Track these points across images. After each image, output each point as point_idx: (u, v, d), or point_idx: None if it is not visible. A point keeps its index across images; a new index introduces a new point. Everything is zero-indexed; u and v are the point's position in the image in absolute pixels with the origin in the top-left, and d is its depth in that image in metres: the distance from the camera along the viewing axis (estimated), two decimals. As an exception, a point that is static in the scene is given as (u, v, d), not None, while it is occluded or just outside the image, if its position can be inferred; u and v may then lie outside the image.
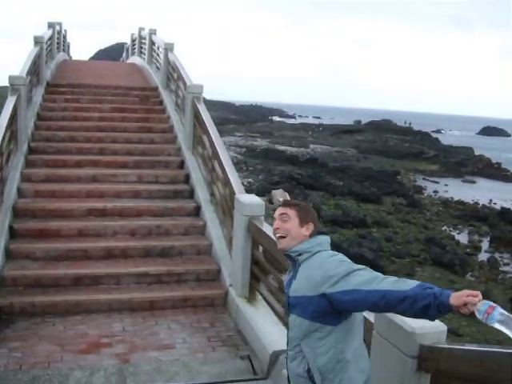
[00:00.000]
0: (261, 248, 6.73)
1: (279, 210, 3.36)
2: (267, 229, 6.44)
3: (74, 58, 25.66)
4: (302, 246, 3.24)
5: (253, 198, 7.15)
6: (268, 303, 6.44)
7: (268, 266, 6.36)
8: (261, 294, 6.77)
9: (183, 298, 7.44)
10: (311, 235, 3.29)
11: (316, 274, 3.09)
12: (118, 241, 8.48)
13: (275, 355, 5.65)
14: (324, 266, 3.09)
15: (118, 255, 8.20)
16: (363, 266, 3.07)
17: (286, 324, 5.69)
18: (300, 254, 3.23)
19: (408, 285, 2.83)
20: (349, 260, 3.15)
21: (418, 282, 2.85)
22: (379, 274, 3.02)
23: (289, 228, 3.27)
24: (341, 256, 3.19)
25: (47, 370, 5.71)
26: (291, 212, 3.30)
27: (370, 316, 3.80)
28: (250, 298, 6.99)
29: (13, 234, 8.28)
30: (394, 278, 2.94)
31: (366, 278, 2.95)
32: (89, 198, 9.48)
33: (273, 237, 5.89)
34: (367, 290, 2.90)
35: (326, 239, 3.33)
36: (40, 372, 5.66)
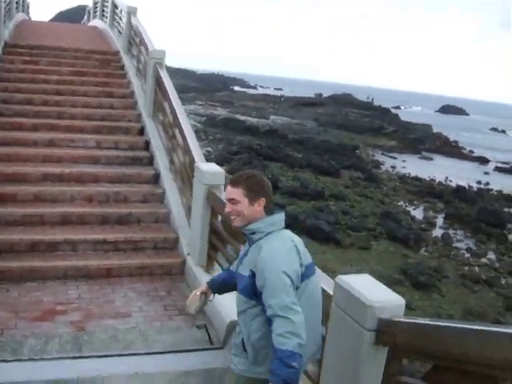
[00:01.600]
0: (220, 217, 6.70)
1: (227, 193, 3.44)
2: (226, 198, 6.43)
3: (33, 19, 25.05)
4: (255, 225, 3.34)
5: (213, 167, 7.07)
6: (226, 273, 6.45)
7: (226, 235, 6.33)
8: (218, 264, 6.76)
9: (140, 266, 7.37)
10: (266, 207, 3.38)
11: (255, 257, 3.24)
12: (75, 207, 8.34)
13: (232, 325, 5.63)
14: (265, 255, 3.21)
15: (74, 221, 8.08)
16: (286, 291, 3.13)
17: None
18: (254, 233, 3.34)
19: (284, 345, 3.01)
20: (289, 259, 3.25)
21: (289, 338, 3.02)
22: (284, 298, 3.10)
23: (239, 210, 3.34)
24: (286, 249, 3.29)
25: (1, 337, 5.62)
26: (238, 193, 3.33)
27: (329, 288, 3.81)
28: (208, 268, 6.94)
29: (-33, 197, 8.11)
30: (278, 322, 3.07)
31: (272, 303, 3.10)
32: (46, 163, 9.28)
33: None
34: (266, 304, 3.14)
35: (279, 218, 3.40)
36: (-7, 339, 5.59)
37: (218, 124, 45.13)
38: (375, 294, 3.44)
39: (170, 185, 8.87)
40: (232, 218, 3.41)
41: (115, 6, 17.09)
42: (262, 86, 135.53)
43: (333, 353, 3.73)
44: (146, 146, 10.23)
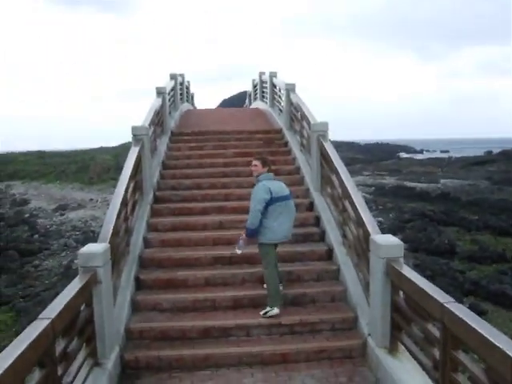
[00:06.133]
0: (402, 293, 6.10)
1: (252, 162, 7.96)
2: (408, 272, 5.83)
3: (199, 108, 26.10)
4: (260, 177, 7.76)
5: (389, 239, 6.52)
6: (412, 355, 5.77)
7: (411, 313, 5.73)
8: (404, 345, 6.09)
9: (318, 350, 6.87)
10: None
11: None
12: (247, 289, 8.13)
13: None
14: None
15: (247, 305, 7.84)
16: (257, 197, 7.50)
17: (435, 380, 5.05)
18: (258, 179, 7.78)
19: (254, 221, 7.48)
20: (263, 190, 7.48)
21: (249, 221, 7.54)
22: (255, 206, 7.46)
23: (255, 169, 7.87)
24: (261, 185, 7.59)
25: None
26: (257, 161, 7.89)
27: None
28: (392, 349, 6.32)
29: (139, 284, 8.20)
30: (250, 214, 7.52)
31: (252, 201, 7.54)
32: (216, 246, 9.32)
33: (416, 281, 5.28)
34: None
35: (265, 175, 7.75)
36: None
37: (387, 193, 44.23)
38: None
39: (344, 260, 8.40)
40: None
41: (274, 86, 17.42)
42: (428, 150, 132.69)
43: None
44: (317, 221, 9.94)
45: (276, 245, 7.76)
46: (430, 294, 5.07)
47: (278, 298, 7.57)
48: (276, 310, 7.44)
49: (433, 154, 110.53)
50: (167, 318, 7.48)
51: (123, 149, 47.99)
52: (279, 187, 7.66)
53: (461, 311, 4.52)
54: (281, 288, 7.74)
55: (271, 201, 7.46)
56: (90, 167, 44.35)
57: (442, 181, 53.34)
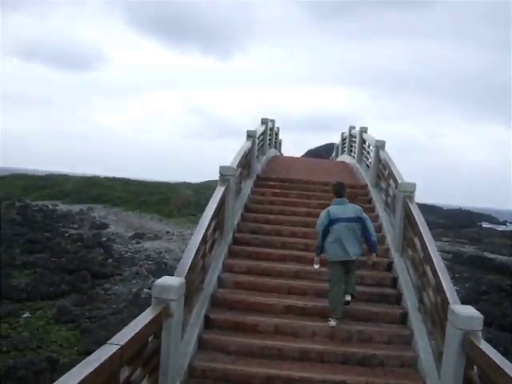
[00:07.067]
0: (476, 368, 5.88)
1: None
2: (486, 347, 5.61)
3: (285, 155, 26.22)
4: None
5: (469, 310, 6.30)
6: None
7: (484, 390, 5.50)
8: (473, 423, 5.85)
9: (383, 416, 6.68)
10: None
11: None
12: (316, 343, 7.96)
13: None
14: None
15: (313, 358, 7.66)
16: (321, 219, 8.62)
17: None
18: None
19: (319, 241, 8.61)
20: (323, 214, 8.64)
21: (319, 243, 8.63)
22: (317, 228, 8.72)
23: None
24: (323, 211, 8.74)
25: None
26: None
27: None
28: (459, 426, 6.06)
29: (208, 323, 8.16)
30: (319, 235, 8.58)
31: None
32: (290, 295, 9.22)
33: (493, 357, 5.06)
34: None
35: (336, 201, 8.81)
36: None
37: (465, 261, 42.98)
38: None
39: (418, 326, 8.15)
40: None
41: (363, 141, 17.37)
42: (511, 223, 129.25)
43: None
44: (394, 282, 9.76)
45: (344, 263, 8.40)
46: (509, 373, 4.86)
47: (336, 312, 8.29)
48: (332, 323, 8.25)
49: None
50: (232, 361, 7.39)
51: (206, 186, 48.72)
52: (342, 210, 8.56)
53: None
54: (348, 298, 8.41)
55: (330, 222, 8.44)
56: (170, 200, 45.11)
57: (525, 255, 51.64)
